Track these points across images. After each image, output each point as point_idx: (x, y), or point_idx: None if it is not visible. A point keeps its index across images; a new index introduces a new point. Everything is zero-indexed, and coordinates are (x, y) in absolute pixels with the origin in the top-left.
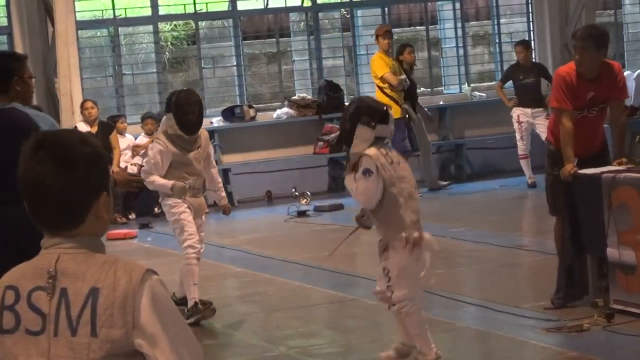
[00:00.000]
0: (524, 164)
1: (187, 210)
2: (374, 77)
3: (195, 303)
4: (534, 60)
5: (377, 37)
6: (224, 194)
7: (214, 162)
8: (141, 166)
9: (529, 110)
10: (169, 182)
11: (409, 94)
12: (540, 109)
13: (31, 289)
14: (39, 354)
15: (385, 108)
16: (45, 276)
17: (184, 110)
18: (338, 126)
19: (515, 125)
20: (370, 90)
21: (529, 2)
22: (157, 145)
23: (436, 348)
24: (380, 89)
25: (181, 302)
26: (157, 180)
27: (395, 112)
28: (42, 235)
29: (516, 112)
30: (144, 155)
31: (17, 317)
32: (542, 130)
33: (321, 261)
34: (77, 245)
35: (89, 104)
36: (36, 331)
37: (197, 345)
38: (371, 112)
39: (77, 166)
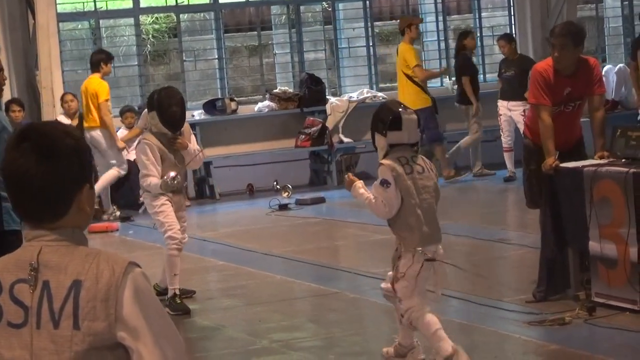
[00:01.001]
0: (507, 157)
1: (167, 202)
2: (405, 66)
3: (175, 294)
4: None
5: (407, 27)
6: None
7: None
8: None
9: (505, 103)
10: (158, 182)
11: (473, 80)
12: (518, 102)
13: (13, 282)
14: (22, 346)
15: (396, 113)
16: (27, 269)
17: (167, 108)
18: (319, 120)
19: (498, 118)
20: (350, 83)
21: None
22: (144, 145)
23: (453, 343)
24: (410, 77)
25: (164, 292)
26: (152, 182)
27: (424, 100)
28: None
29: (498, 104)
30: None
31: (0, 310)
32: (518, 124)
33: (303, 254)
34: (60, 237)
35: (69, 97)
36: (18, 324)
37: (179, 338)
38: (383, 119)
39: (61, 158)
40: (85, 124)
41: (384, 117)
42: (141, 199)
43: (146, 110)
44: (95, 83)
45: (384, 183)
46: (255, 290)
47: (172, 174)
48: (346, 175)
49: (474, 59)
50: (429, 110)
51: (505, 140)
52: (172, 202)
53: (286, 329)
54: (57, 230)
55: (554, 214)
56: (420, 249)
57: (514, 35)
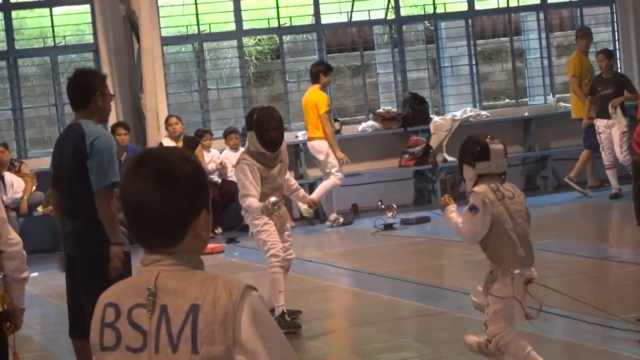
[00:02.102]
0: (610, 174)
1: (270, 221)
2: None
3: (283, 312)
4: (618, 70)
5: (577, 37)
6: (302, 191)
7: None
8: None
9: (605, 121)
10: (259, 205)
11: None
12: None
13: (132, 306)
14: None
15: (484, 144)
16: (145, 293)
17: (266, 127)
18: (423, 139)
19: (597, 136)
20: (454, 102)
21: (614, 11)
22: (243, 166)
23: None
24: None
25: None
26: (252, 204)
27: (579, 111)
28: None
29: (596, 123)
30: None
31: (118, 334)
32: (616, 143)
33: (409, 274)
34: (177, 262)
35: (173, 120)
36: (137, 348)
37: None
38: (471, 150)
39: (179, 184)
40: (307, 135)
41: (472, 149)
42: (245, 220)
43: (248, 134)
44: (316, 95)
45: (473, 209)
46: (361, 310)
47: (273, 199)
48: (442, 197)
49: None
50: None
51: (607, 157)
52: (276, 221)
53: (393, 349)
54: (174, 255)
55: None
56: (517, 271)
57: (617, 50)
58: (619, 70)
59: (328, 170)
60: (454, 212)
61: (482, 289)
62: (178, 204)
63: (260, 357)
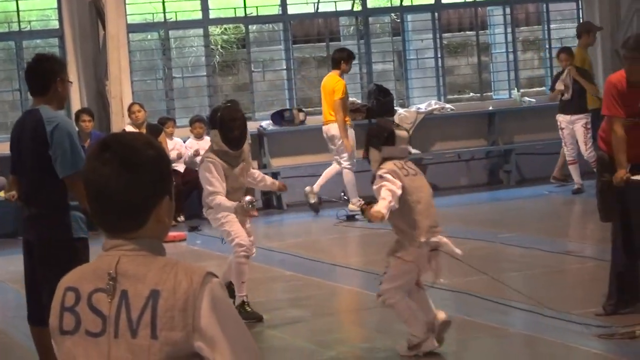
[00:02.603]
0: (573, 170)
1: (234, 216)
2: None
3: (243, 302)
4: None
5: (581, 33)
6: (269, 178)
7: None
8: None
9: (568, 117)
10: (232, 205)
11: None
12: (580, 115)
13: (92, 291)
14: (99, 355)
15: (391, 129)
16: (105, 278)
17: (229, 126)
18: None
19: (559, 131)
20: (418, 95)
21: (580, 7)
22: (207, 164)
23: (430, 340)
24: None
25: None
26: (223, 203)
27: (590, 102)
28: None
29: (558, 118)
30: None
31: (77, 319)
32: (578, 137)
33: (371, 265)
34: (138, 247)
35: (135, 108)
36: (96, 332)
37: (256, 348)
38: (378, 135)
39: (142, 169)
40: (323, 118)
41: (380, 133)
42: (205, 213)
43: (212, 132)
44: (334, 81)
45: (381, 177)
46: (323, 301)
47: (248, 198)
48: (363, 209)
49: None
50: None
51: (569, 152)
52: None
53: (354, 340)
54: (136, 240)
55: (625, 226)
56: (424, 239)
57: None
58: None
59: (338, 156)
60: (379, 205)
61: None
62: (141, 188)
63: (219, 343)
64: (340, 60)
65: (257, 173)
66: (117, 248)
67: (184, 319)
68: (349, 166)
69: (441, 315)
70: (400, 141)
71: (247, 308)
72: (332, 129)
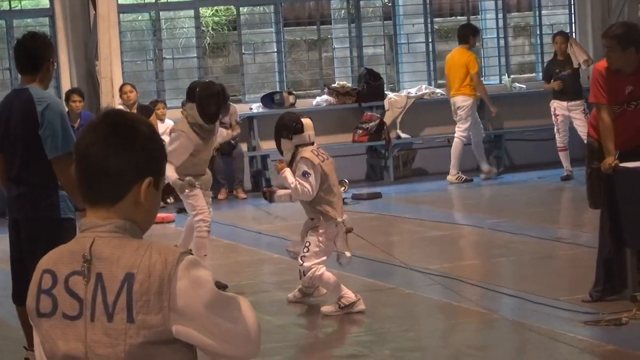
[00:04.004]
0: (563, 156)
1: (198, 186)
2: None
3: None
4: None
5: None
6: (224, 131)
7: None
8: None
9: (564, 103)
10: (173, 176)
11: None
12: (577, 102)
13: (68, 274)
14: (76, 338)
15: (298, 119)
16: (81, 260)
17: (208, 101)
18: (377, 115)
19: (553, 117)
20: (409, 79)
21: None
22: (180, 136)
23: (360, 302)
24: None
25: None
26: (167, 170)
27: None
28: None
29: (553, 104)
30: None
31: (54, 301)
32: (579, 124)
33: (359, 249)
34: (113, 229)
35: (127, 88)
36: (73, 315)
37: (240, 315)
38: (287, 126)
39: (131, 141)
40: (452, 90)
41: (288, 124)
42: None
43: (187, 105)
44: (465, 55)
45: (305, 174)
46: None
47: (188, 178)
48: (277, 163)
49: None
50: None
51: (561, 139)
52: (201, 186)
53: (340, 323)
54: (112, 221)
55: (612, 213)
56: (341, 219)
57: (574, 33)
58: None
59: (458, 124)
60: (288, 173)
61: (299, 237)
62: (125, 159)
63: (202, 320)
64: (468, 35)
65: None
66: (92, 230)
67: (160, 302)
68: (463, 137)
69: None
70: (307, 128)
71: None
72: (459, 100)
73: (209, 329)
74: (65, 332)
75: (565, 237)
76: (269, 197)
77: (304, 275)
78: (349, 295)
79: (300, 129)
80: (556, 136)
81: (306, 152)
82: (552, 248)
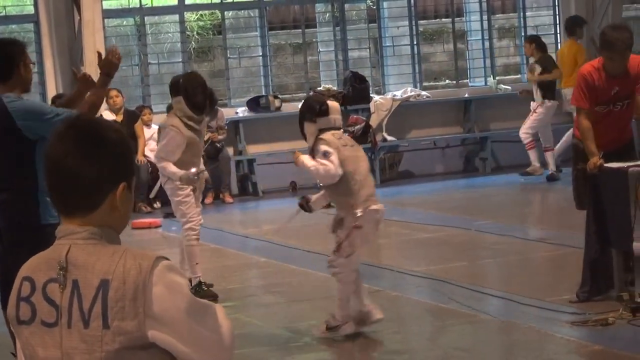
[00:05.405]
0: (548, 156)
1: (191, 193)
2: None
3: (200, 282)
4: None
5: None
6: None
7: None
8: None
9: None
10: (178, 172)
11: None
12: (537, 103)
13: (46, 281)
14: (54, 345)
15: (323, 101)
16: (57, 267)
17: (194, 91)
18: (363, 118)
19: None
20: (394, 82)
21: None
22: (172, 132)
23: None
24: None
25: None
26: (168, 167)
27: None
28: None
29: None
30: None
31: (33, 309)
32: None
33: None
34: (89, 235)
35: (113, 93)
36: (51, 323)
37: (216, 323)
38: (311, 108)
39: (101, 149)
40: (563, 83)
41: (312, 106)
42: (163, 184)
43: (174, 100)
44: (575, 47)
45: (326, 154)
46: (297, 287)
47: (194, 170)
48: (294, 153)
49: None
50: None
51: (547, 139)
52: (197, 189)
53: None
54: (87, 228)
55: (598, 214)
56: (361, 208)
57: (557, 33)
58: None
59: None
60: (305, 158)
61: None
62: (97, 168)
63: (176, 326)
64: (575, 26)
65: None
66: (68, 237)
67: (135, 308)
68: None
69: (378, 314)
70: (333, 111)
71: (204, 287)
72: (569, 93)
73: (183, 335)
74: (43, 339)
75: (552, 238)
76: (307, 207)
77: (333, 268)
78: (338, 315)
79: (325, 112)
80: (541, 137)
81: (326, 134)
82: (539, 249)
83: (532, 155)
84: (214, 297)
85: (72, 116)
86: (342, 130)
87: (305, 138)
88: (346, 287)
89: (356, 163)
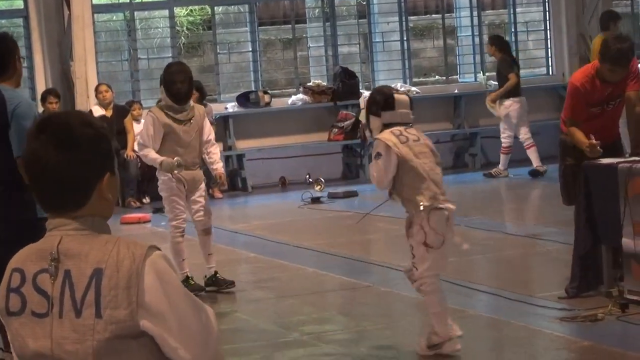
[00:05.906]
0: (531, 153)
1: (178, 190)
2: None
3: (187, 277)
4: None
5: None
6: (218, 164)
7: (213, 140)
8: None
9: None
10: (158, 158)
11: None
12: (516, 98)
13: (36, 272)
14: (45, 336)
15: (389, 94)
16: (48, 258)
17: (174, 80)
18: (352, 113)
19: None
20: (384, 77)
21: None
22: (149, 117)
23: (455, 330)
24: None
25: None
26: (150, 155)
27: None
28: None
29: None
30: None
31: (23, 300)
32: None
33: (335, 247)
34: (80, 226)
35: (103, 88)
36: (41, 313)
37: (205, 315)
38: (376, 100)
39: (79, 147)
40: None
41: (378, 99)
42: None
43: (160, 89)
44: None
45: (377, 156)
46: (286, 283)
47: (177, 158)
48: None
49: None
50: None
51: (524, 137)
52: (185, 183)
53: (317, 321)
54: (78, 219)
55: (587, 210)
56: (425, 203)
57: (548, 30)
58: (550, 50)
59: None
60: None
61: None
62: (80, 167)
63: (166, 317)
64: (609, 22)
65: (213, 150)
66: (59, 228)
67: (128, 297)
68: None
69: (458, 331)
70: (400, 105)
71: (191, 282)
72: None
73: (172, 327)
74: (34, 330)
75: (541, 233)
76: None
77: (416, 282)
78: (439, 331)
79: (390, 105)
80: (520, 135)
81: (385, 132)
82: (528, 245)
83: (532, 155)
84: (199, 290)
85: (44, 118)
86: (410, 125)
87: (370, 132)
88: (433, 303)
89: (420, 159)
